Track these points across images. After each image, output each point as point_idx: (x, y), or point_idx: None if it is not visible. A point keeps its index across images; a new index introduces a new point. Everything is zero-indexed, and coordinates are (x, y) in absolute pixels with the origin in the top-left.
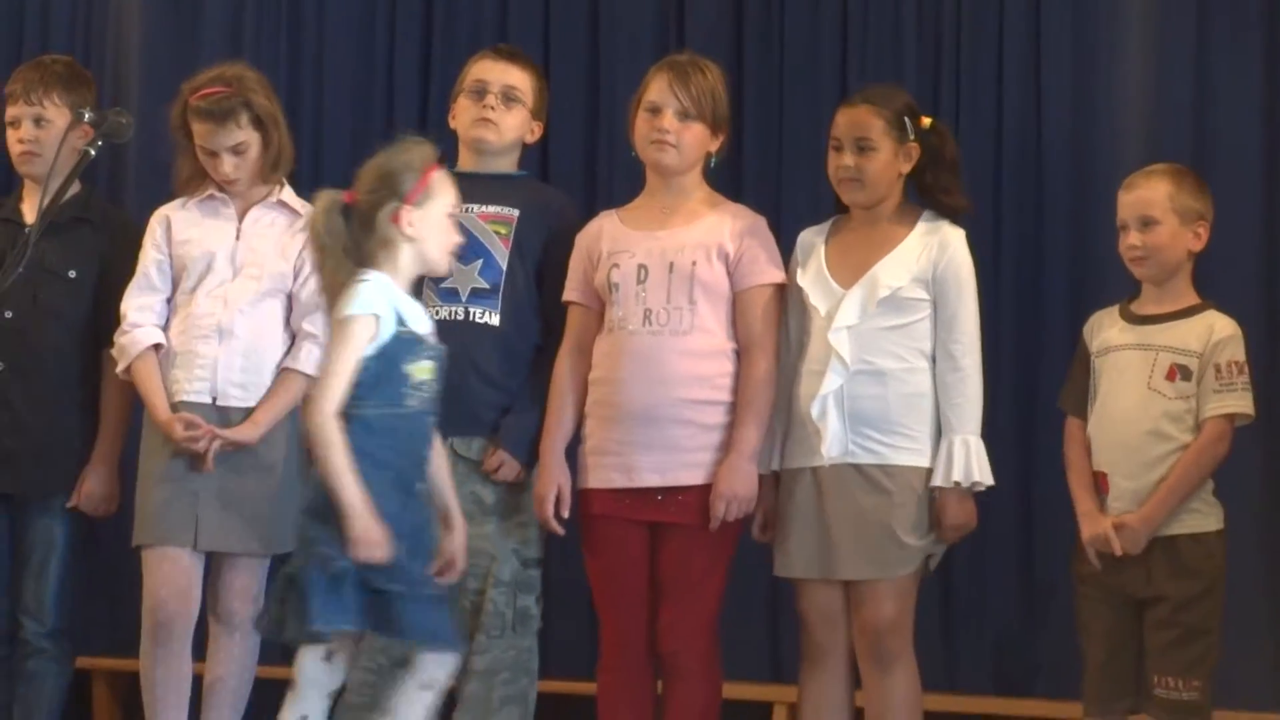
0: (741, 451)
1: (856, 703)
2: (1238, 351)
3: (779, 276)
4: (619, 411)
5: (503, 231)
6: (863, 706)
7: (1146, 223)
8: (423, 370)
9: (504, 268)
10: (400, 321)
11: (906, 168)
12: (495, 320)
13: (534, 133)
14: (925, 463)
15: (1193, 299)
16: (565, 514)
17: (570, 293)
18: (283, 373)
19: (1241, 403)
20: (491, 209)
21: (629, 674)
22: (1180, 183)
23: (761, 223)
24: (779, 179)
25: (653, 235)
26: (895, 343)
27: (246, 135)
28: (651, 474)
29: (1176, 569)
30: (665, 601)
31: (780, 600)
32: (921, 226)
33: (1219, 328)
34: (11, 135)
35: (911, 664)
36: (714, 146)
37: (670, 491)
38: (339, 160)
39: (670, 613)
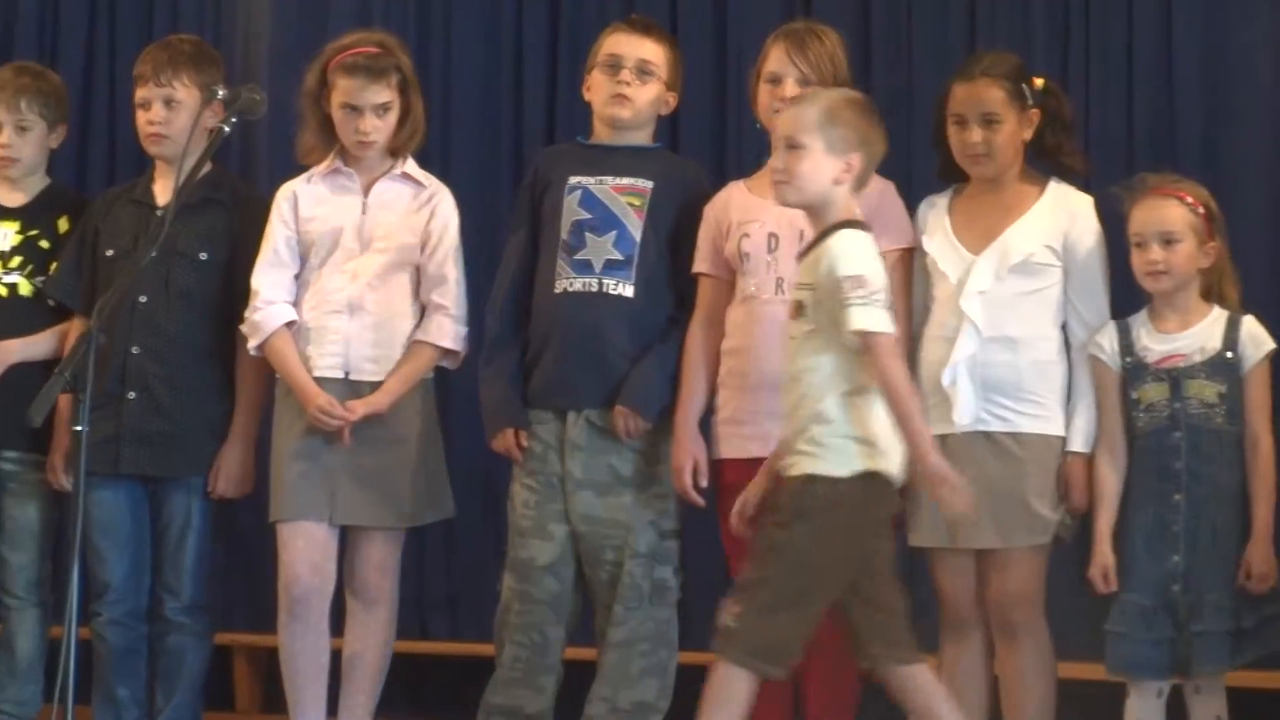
0: None
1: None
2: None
3: (909, 240)
4: (754, 381)
5: (636, 203)
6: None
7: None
8: (1149, 393)
9: (638, 239)
10: (1128, 352)
11: (1029, 134)
12: (629, 292)
13: (669, 104)
14: (1057, 430)
15: None
16: (703, 484)
17: (700, 264)
18: (414, 345)
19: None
20: (625, 180)
21: None
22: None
23: (890, 187)
24: (908, 145)
25: None
26: (1027, 309)
27: (392, 96)
28: None
29: None
30: None
31: (917, 570)
32: (1051, 193)
33: None
34: (141, 117)
35: (1041, 635)
36: None
37: None
38: (467, 136)
39: None
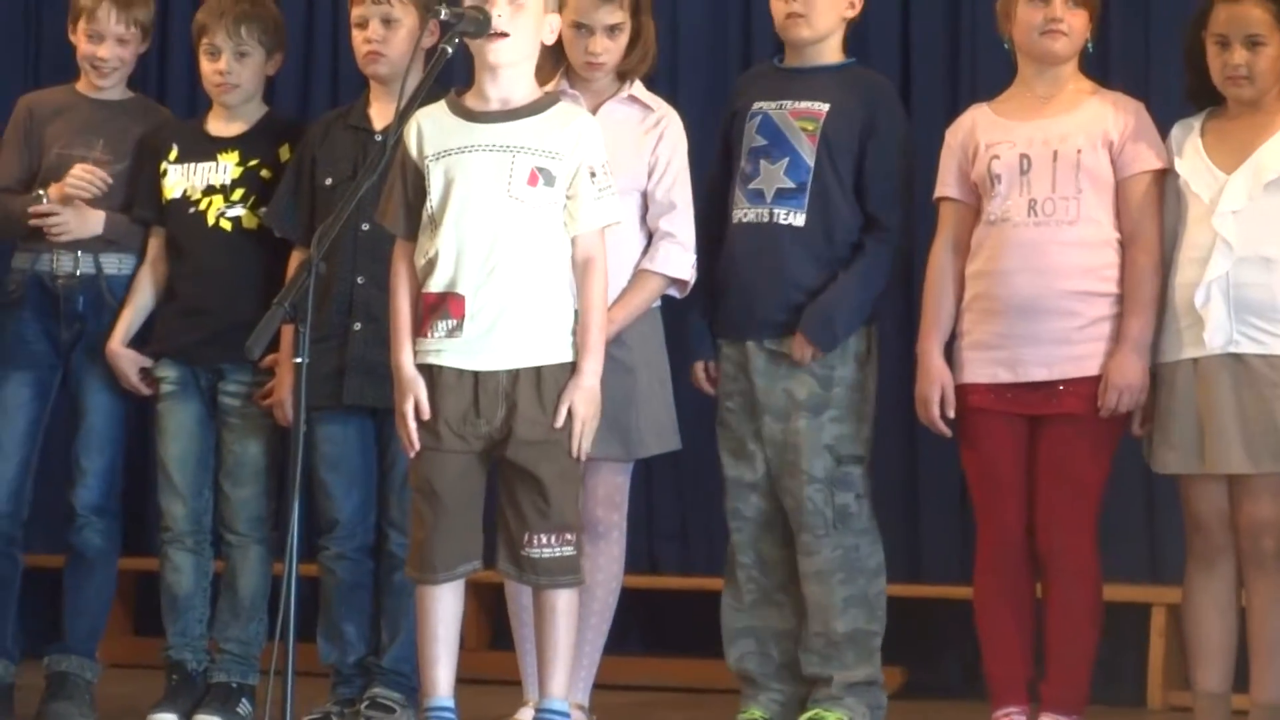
0: (1132, 341)
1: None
2: None
3: (1162, 162)
4: (1003, 305)
5: (809, 128)
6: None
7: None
8: None
9: (811, 165)
10: None
11: None
12: (800, 220)
13: (854, 6)
14: None
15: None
16: (950, 414)
17: (944, 188)
18: (640, 274)
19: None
20: (803, 104)
21: (1008, 575)
22: None
23: (1143, 109)
24: (1147, 67)
25: (1033, 124)
26: None
27: (624, 18)
28: (1038, 367)
29: None
30: (1047, 497)
31: (1158, 499)
32: None
33: None
34: (358, 35)
35: None
36: (1090, 32)
37: (1057, 384)
38: (695, 59)
39: (1052, 509)
